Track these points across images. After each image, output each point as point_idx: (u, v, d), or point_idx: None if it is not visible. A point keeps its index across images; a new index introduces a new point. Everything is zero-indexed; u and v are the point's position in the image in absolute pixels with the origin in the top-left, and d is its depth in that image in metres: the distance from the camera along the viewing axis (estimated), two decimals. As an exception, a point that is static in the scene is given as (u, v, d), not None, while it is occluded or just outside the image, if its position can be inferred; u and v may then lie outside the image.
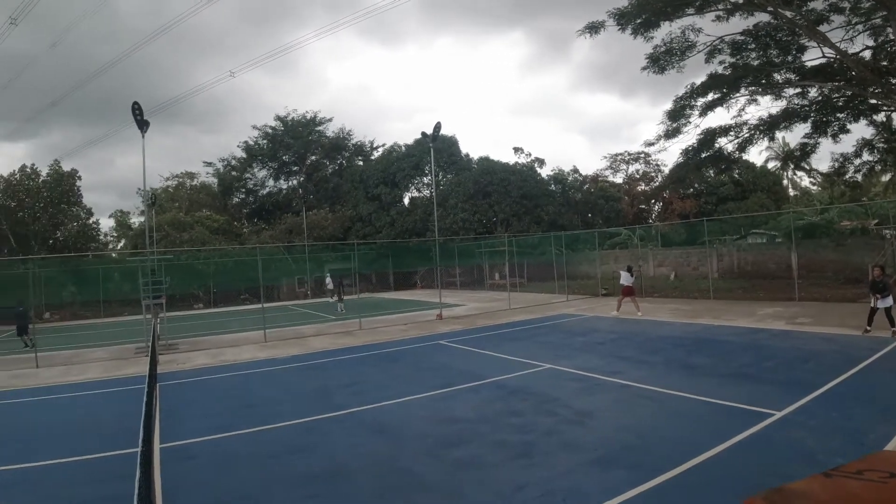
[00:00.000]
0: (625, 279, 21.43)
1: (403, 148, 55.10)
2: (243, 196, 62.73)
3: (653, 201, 61.27)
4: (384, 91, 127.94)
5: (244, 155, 61.31)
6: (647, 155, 60.72)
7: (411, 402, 9.64)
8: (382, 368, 13.13)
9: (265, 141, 60.69)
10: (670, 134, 27.33)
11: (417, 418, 8.62)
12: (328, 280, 38.40)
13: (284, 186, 62.15)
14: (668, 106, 29.50)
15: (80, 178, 50.06)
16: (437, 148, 33.15)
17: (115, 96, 79.56)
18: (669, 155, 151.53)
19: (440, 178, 51.73)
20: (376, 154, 61.64)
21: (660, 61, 25.17)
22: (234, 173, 61.76)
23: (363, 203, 52.30)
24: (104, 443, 8.31)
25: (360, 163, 61.09)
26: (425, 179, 52.84)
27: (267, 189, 62.35)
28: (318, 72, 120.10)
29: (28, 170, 48.36)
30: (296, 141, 59.56)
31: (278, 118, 60.69)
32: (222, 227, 50.35)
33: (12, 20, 33.50)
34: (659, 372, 10.97)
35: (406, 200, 53.84)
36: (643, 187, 61.35)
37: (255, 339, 19.24)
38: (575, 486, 5.75)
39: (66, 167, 50.00)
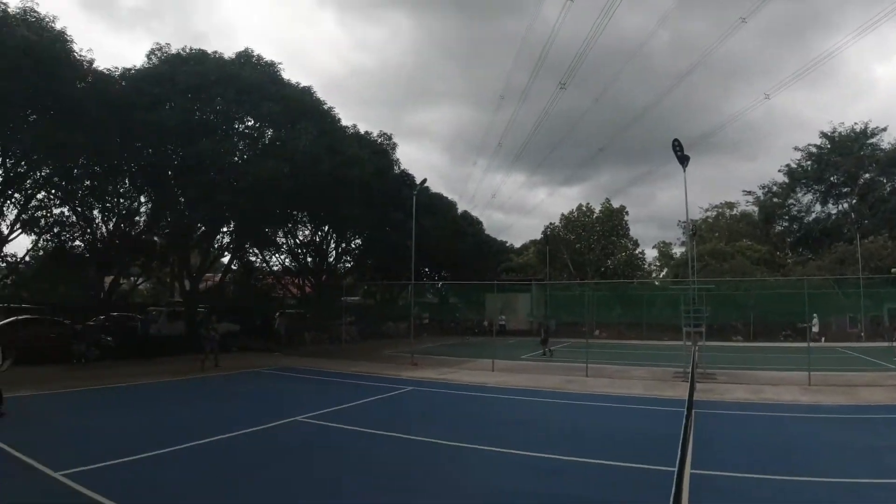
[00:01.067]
0: None
1: None
2: (786, 224, 58.99)
3: None
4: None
5: (786, 179, 57.70)
6: None
7: None
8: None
9: (809, 162, 56.00)
10: None
11: None
12: (815, 322, 33.30)
13: (833, 211, 56.04)
14: None
15: (627, 213, 55.49)
16: None
17: (654, 135, 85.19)
18: None
19: None
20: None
21: None
22: (775, 200, 58.67)
23: (937, 226, 42.87)
24: (635, 454, 8.92)
25: (930, 175, 50.73)
26: None
27: (813, 215, 57.22)
28: (863, 75, 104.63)
29: (583, 208, 55.98)
30: (844, 158, 53.01)
31: (823, 135, 55.36)
32: (763, 257, 48.42)
33: (562, 85, 39.02)
34: None
35: None
36: None
37: (797, 381, 17.71)
38: None
39: (615, 204, 55.99)
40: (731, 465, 8.49)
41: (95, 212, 27.31)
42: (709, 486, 7.47)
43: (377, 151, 32.71)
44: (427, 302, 48.15)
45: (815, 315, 34.62)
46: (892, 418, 12.45)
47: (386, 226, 33.32)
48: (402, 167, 36.62)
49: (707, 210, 66.37)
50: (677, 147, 20.48)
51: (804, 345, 21.54)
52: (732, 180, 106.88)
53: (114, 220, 27.75)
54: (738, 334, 40.38)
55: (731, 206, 65.14)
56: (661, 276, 62.02)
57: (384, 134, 35.13)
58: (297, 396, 15.84)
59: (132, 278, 33.06)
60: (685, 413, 6.04)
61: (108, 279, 28.74)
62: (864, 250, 42.89)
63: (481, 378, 18.71)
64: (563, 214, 57.15)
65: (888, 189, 52.19)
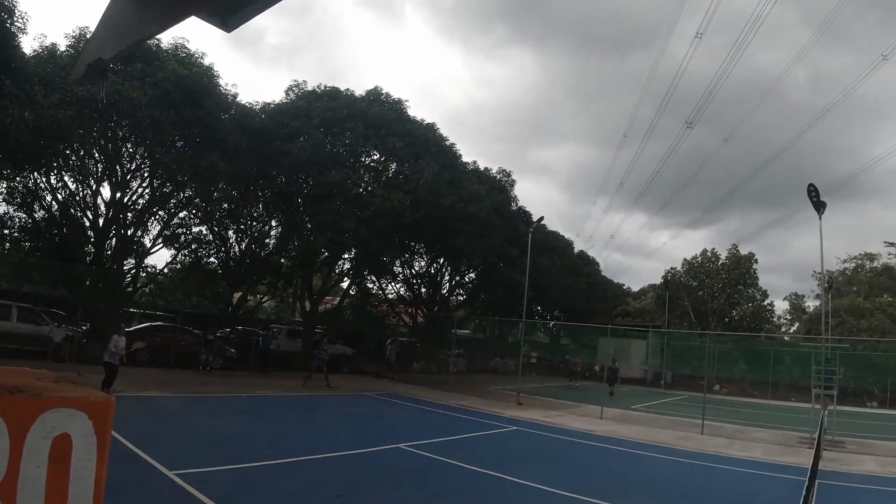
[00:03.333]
0: None
1: None
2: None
3: None
4: None
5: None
6: None
7: None
8: None
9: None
10: None
11: None
12: None
13: None
14: None
15: (756, 260, 52.45)
16: None
17: (789, 179, 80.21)
18: None
19: None
20: None
21: None
22: (921, 253, 53.65)
23: None
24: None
25: None
26: None
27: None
28: None
29: (708, 253, 53.50)
30: None
31: None
32: (910, 315, 44.33)
33: (688, 124, 38.21)
34: None
35: None
36: None
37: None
38: None
39: (743, 250, 53.13)
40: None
41: (230, 232, 29.33)
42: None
43: (496, 188, 33.09)
44: (537, 341, 47.59)
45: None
46: None
47: (501, 261, 33.44)
48: (519, 204, 36.83)
49: (845, 261, 61.48)
50: (813, 193, 19.38)
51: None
52: (875, 230, 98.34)
53: (246, 240, 29.63)
54: (873, 400, 36.99)
55: (871, 257, 59.99)
56: (791, 330, 58.06)
57: (503, 171, 35.52)
58: (402, 424, 16.15)
59: (258, 296, 35.03)
60: (806, 483, 5.65)
61: (237, 295, 30.61)
62: None
63: (589, 425, 18.22)
64: (685, 259, 55.03)
65: None
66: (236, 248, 29.87)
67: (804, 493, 5.30)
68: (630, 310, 56.21)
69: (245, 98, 26.81)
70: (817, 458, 9.84)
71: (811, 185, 19.50)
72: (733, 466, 13.29)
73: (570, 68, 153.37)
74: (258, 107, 26.78)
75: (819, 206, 19.44)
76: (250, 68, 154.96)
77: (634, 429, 18.39)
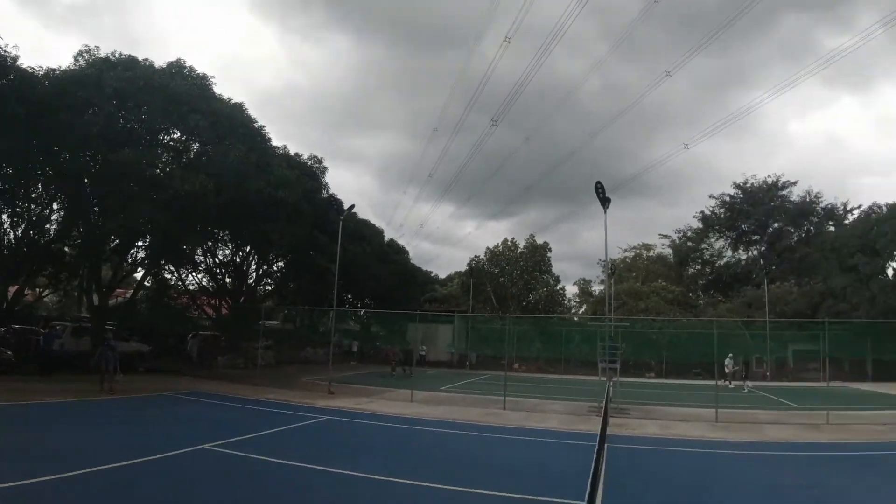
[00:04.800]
0: None
1: (885, 208, 44.41)
2: (699, 267, 61.68)
3: None
4: (859, 143, 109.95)
5: (700, 225, 60.48)
6: None
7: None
8: (851, 474, 11.17)
9: (722, 210, 58.97)
10: None
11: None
12: (728, 362, 33.42)
13: (744, 257, 59.08)
14: None
15: (550, 249, 56.86)
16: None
17: (582, 176, 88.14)
18: None
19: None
20: (851, 217, 52.88)
21: None
22: (689, 244, 61.35)
23: (836, 275, 44.30)
24: (547, 487, 8.98)
25: (832, 229, 53.62)
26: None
27: (724, 260, 60.12)
28: (779, 131, 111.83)
29: (509, 243, 57.00)
30: (756, 208, 56.33)
31: (736, 185, 58.65)
32: (677, 297, 50.35)
33: (493, 122, 40.56)
34: None
35: (890, 272, 44.31)
36: None
37: (705, 417, 18.30)
38: None
39: (539, 240, 57.28)
40: (640, 499, 8.68)
41: (4, 216, 25.66)
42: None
43: (306, 173, 32.26)
44: (349, 329, 47.44)
45: (730, 354, 34.40)
46: (794, 455, 13.08)
47: (311, 249, 32.77)
48: (330, 191, 36.18)
49: (626, 251, 68.63)
50: (599, 189, 21.09)
51: (712, 382, 22.32)
52: (655, 224, 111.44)
53: (23, 226, 26.16)
54: (651, 371, 41.64)
55: (648, 247, 67.71)
56: (580, 312, 63.44)
57: (314, 157, 34.81)
58: (205, 423, 15.16)
59: (38, 289, 31.31)
60: (597, 447, 6.18)
61: (13, 289, 27.07)
62: (771, 295, 45.20)
63: (399, 409, 18.55)
64: (488, 248, 57.95)
65: (795, 238, 55.45)
66: (11, 235, 26.21)
67: (595, 455, 5.78)
68: (438, 296, 57.90)
69: (28, 62, 23.49)
70: (605, 424, 10.84)
71: (598, 182, 21.22)
72: (533, 437, 14.33)
73: (387, 59, 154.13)
74: (41, 73, 23.49)
75: (605, 202, 21.24)
76: (37, 28, 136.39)
77: (443, 409, 19.05)
